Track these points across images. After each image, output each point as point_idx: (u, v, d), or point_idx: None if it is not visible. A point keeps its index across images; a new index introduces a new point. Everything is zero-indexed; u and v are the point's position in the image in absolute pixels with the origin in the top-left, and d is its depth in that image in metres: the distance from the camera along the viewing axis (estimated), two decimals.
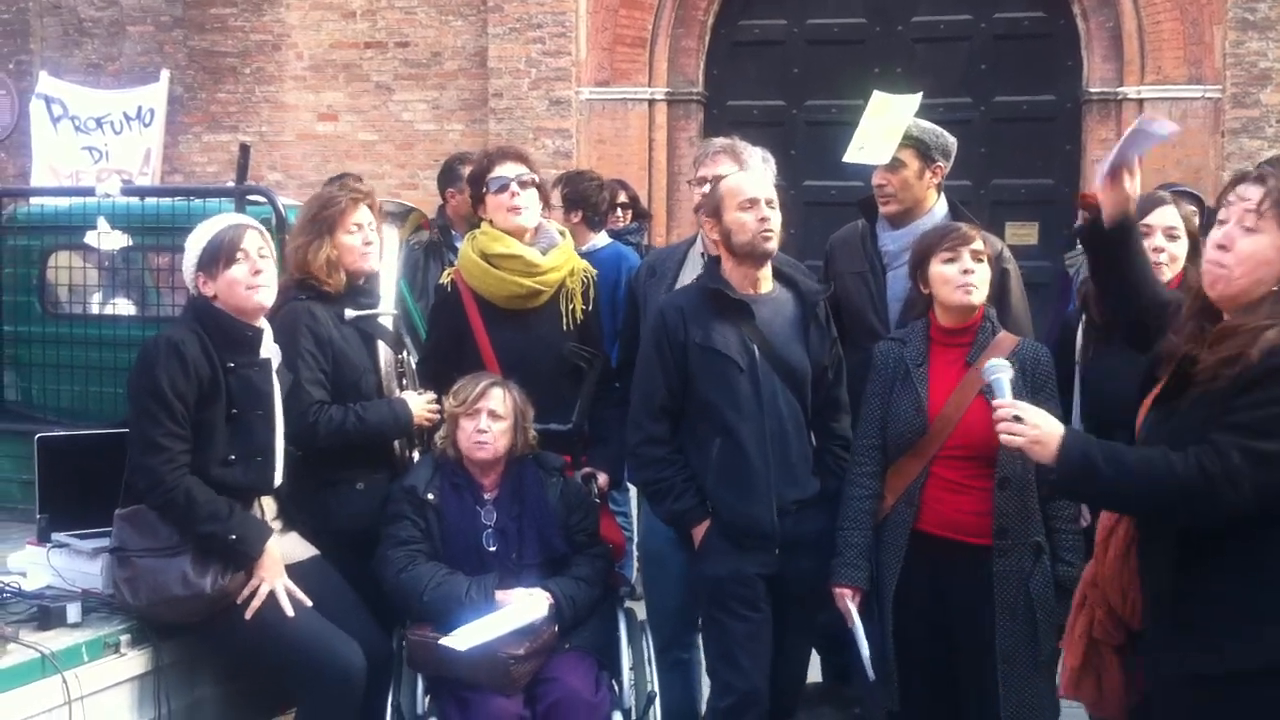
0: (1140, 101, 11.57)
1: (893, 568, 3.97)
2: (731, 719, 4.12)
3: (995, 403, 3.24)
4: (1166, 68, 11.56)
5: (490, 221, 4.61)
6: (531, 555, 4.22)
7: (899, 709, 4.03)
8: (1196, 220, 4.39)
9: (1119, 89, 11.71)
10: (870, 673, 3.98)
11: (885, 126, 4.53)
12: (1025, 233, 11.38)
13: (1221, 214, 2.96)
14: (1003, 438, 3.13)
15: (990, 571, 3.86)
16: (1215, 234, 2.95)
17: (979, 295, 3.97)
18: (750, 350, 4.12)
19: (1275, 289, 2.86)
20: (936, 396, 3.96)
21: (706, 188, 4.52)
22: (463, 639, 3.92)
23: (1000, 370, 3.39)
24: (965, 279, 3.94)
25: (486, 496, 4.29)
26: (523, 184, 4.56)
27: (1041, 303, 5.76)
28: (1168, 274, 4.10)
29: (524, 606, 4.05)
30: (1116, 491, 2.98)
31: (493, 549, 4.21)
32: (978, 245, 3.98)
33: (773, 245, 4.16)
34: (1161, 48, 11.54)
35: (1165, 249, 4.14)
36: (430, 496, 4.22)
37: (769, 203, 4.14)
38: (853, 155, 4.56)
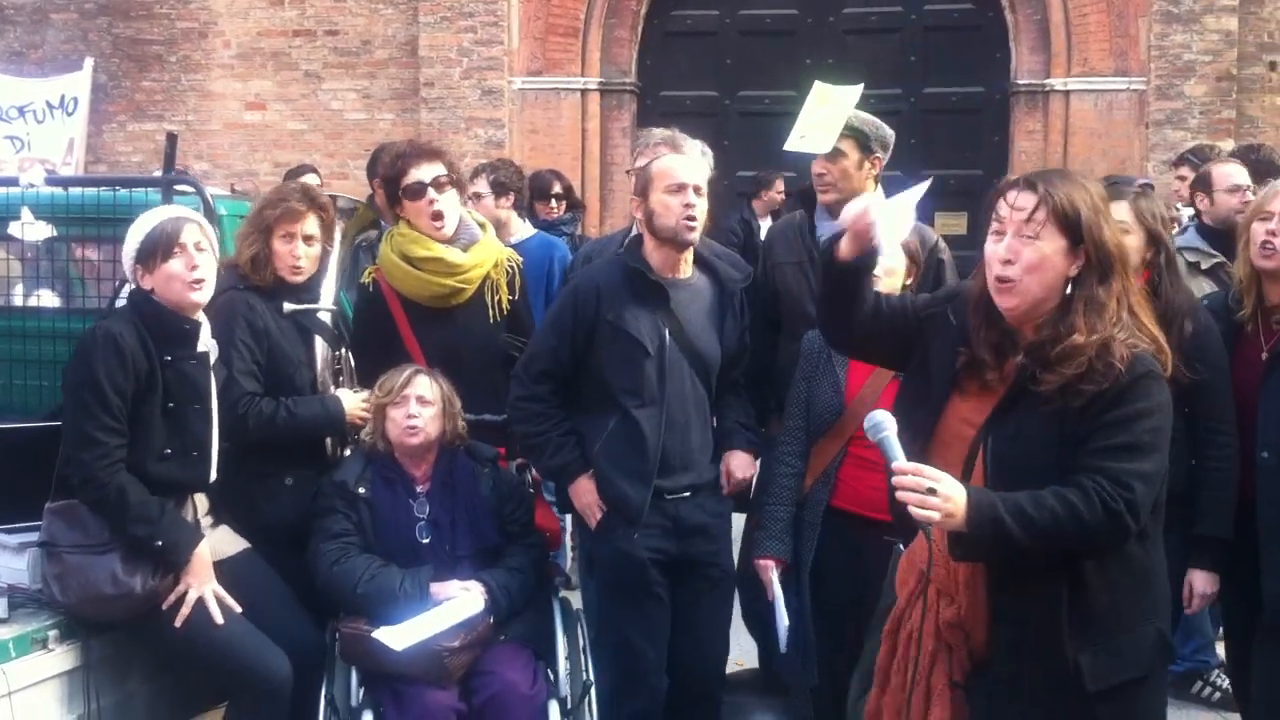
0: (1067, 93, 11.74)
1: (809, 543, 4.06)
2: (622, 700, 4.17)
3: (896, 466, 2.79)
4: (1092, 60, 11.73)
5: (409, 222, 4.56)
6: (465, 546, 4.21)
7: (817, 682, 4.09)
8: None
9: (1046, 81, 11.88)
10: (783, 645, 4.06)
11: (826, 116, 4.54)
12: (954, 223, 11.49)
13: (995, 225, 2.96)
14: (912, 511, 2.74)
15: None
16: (994, 247, 2.94)
17: (891, 284, 3.96)
18: (661, 334, 4.13)
19: (1066, 294, 2.91)
20: (855, 379, 4.06)
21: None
22: (398, 637, 3.89)
23: (885, 428, 2.85)
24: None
25: (419, 489, 4.26)
26: (439, 186, 4.50)
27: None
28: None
29: (459, 603, 4.04)
30: (1028, 550, 2.83)
31: (426, 541, 4.19)
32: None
33: (694, 235, 4.16)
34: (1088, 40, 11.72)
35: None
36: (361, 490, 4.20)
37: (697, 190, 4.13)
38: (794, 144, 4.57)
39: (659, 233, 4.16)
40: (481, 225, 4.72)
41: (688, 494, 4.18)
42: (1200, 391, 3.79)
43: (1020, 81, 11.99)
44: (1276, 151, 6.80)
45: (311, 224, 4.31)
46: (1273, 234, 3.92)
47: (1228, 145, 8.51)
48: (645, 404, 4.12)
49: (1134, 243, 4.07)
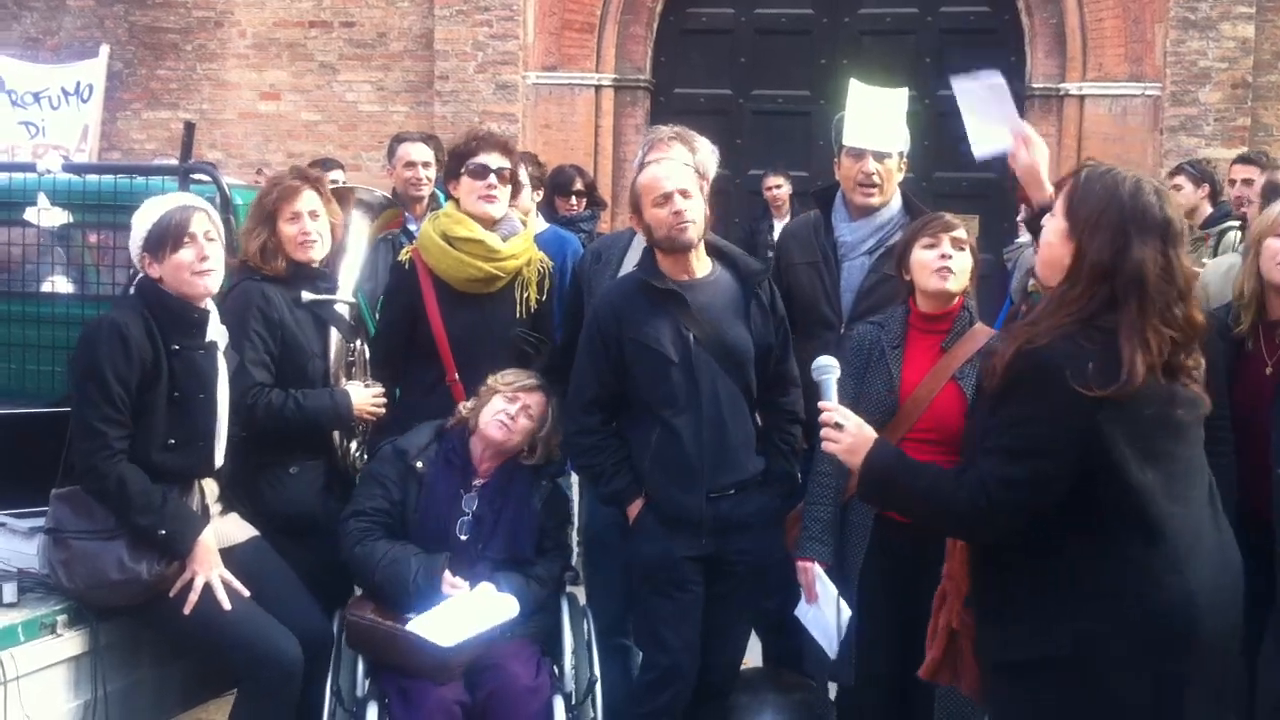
0: (1082, 98, 11.72)
1: (858, 548, 4.01)
2: (653, 693, 4.18)
3: (821, 404, 3.23)
4: (1108, 65, 11.71)
5: (458, 202, 4.60)
6: (496, 551, 4.21)
7: (853, 685, 4.06)
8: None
9: (1061, 85, 11.85)
10: (831, 650, 4.00)
11: (884, 116, 4.59)
12: (967, 225, 11.48)
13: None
14: (822, 442, 3.19)
15: None
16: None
17: (956, 282, 3.99)
18: (685, 339, 4.14)
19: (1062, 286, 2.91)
20: (910, 378, 3.99)
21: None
22: (440, 631, 3.88)
23: (828, 371, 3.33)
24: (943, 263, 3.98)
25: (476, 482, 4.27)
26: (501, 177, 4.57)
27: (983, 294, 5.83)
28: None
29: (493, 607, 4.03)
30: (908, 509, 3.15)
31: (464, 537, 4.20)
32: (959, 233, 4.03)
33: (690, 235, 4.15)
34: (1103, 45, 11.69)
35: None
36: (419, 465, 4.21)
37: (683, 194, 4.13)
38: (858, 140, 4.56)
39: (659, 244, 4.19)
40: (524, 222, 4.77)
41: (732, 491, 4.19)
42: None
43: (1035, 85, 11.96)
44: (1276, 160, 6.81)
45: (311, 198, 4.33)
46: None
47: (1230, 154, 8.48)
48: (680, 412, 4.13)
49: None
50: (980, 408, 3.02)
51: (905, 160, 4.67)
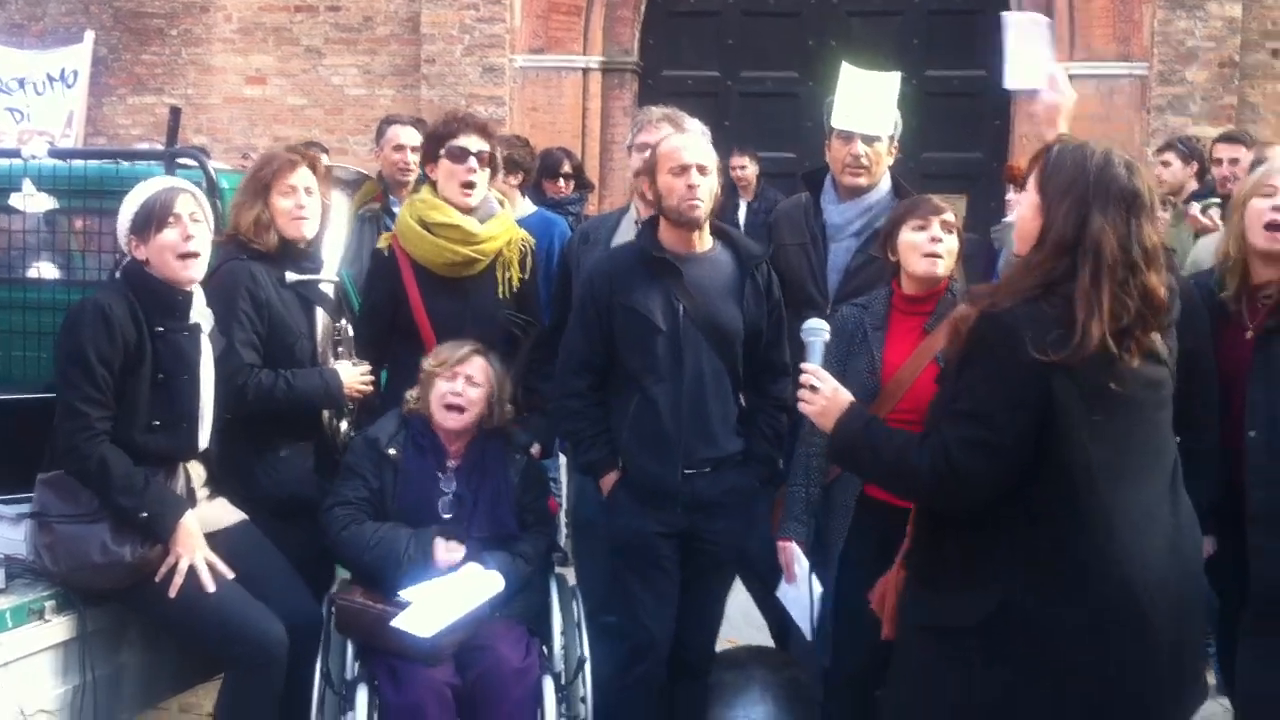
0: (1070, 78, 11.69)
1: (840, 529, 4.02)
2: (626, 665, 4.20)
3: (803, 365, 3.32)
4: (1096, 45, 11.70)
5: (435, 185, 4.59)
6: (481, 528, 4.22)
7: (830, 665, 4.08)
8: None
9: None
10: (808, 630, 4.01)
11: (874, 99, 4.62)
12: (954, 205, 11.46)
13: None
14: (800, 403, 3.27)
15: None
16: None
17: (944, 265, 4.01)
18: (675, 310, 4.15)
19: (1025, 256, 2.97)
20: (892, 359, 4.01)
21: (648, 153, 4.54)
22: (421, 623, 3.89)
23: (817, 333, 3.41)
24: (933, 247, 3.99)
25: (450, 464, 4.27)
26: (481, 160, 4.55)
27: (970, 274, 5.83)
28: None
29: (478, 586, 4.04)
30: (875, 476, 3.25)
31: (446, 516, 4.21)
32: (948, 217, 4.04)
33: (699, 213, 4.17)
34: (1091, 25, 11.69)
35: None
36: (392, 451, 4.21)
37: (701, 170, 4.14)
38: (847, 123, 4.59)
39: (667, 213, 4.19)
40: (501, 202, 4.75)
41: (708, 469, 4.20)
42: (1184, 373, 3.79)
43: None
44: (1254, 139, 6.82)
45: (306, 174, 4.33)
46: (1279, 210, 3.88)
47: (1216, 133, 8.49)
48: (660, 380, 4.15)
49: None
50: (946, 373, 3.06)
51: (895, 144, 4.68)
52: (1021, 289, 2.86)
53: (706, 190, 4.16)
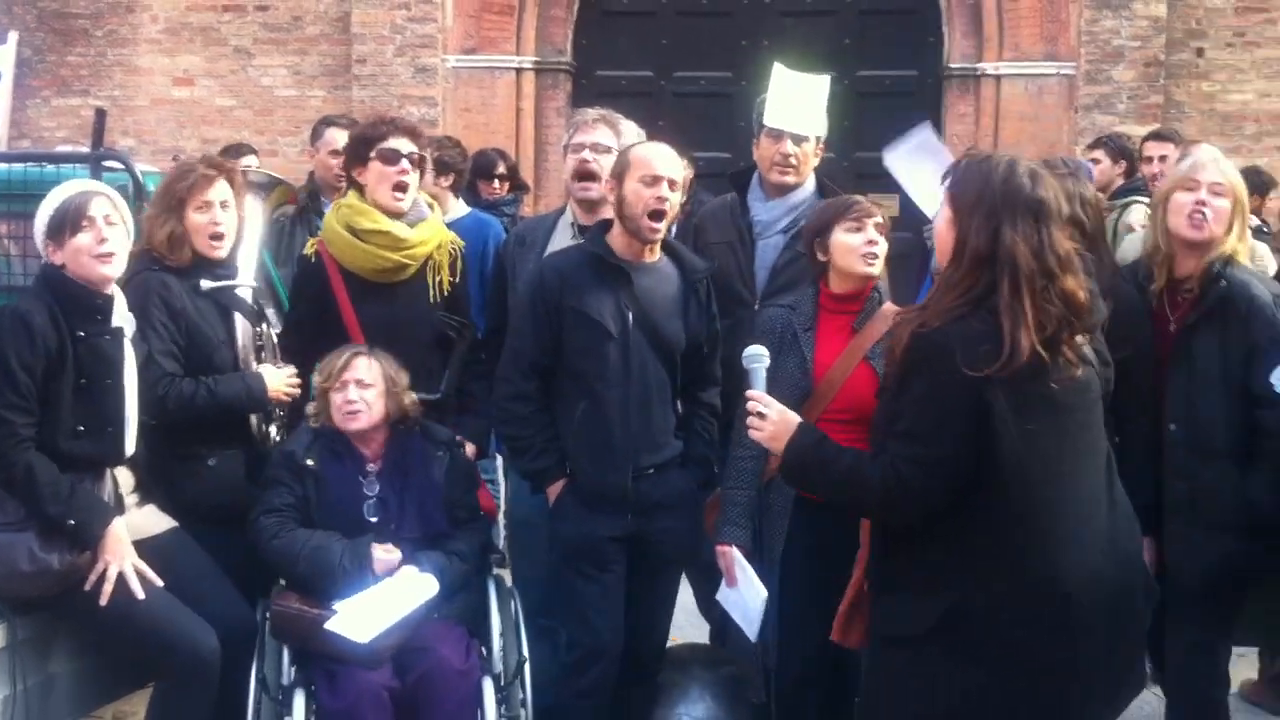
0: (998, 78, 11.84)
1: (778, 531, 4.03)
2: (579, 672, 4.19)
3: (749, 394, 3.35)
4: (1024, 44, 11.83)
5: (361, 189, 4.53)
6: (410, 529, 4.20)
7: (775, 668, 4.09)
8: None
9: (978, 65, 11.96)
10: (752, 633, 4.02)
11: (805, 100, 4.69)
12: (887, 205, 11.55)
13: None
14: (748, 430, 3.32)
15: None
16: None
17: (879, 266, 4.05)
18: (624, 317, 4.15)
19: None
20: (823, 359, 4.04)
21: (585, 154, 4.54)
22: (357, 628, 3.85)
23: (759, 360, 3.45)
24: (869, 249, 4.01)
25: (369, 467, 4.24)
26: (413, 162, 4.50)
27: (904, 273, 5.88)
28: None
29: (413, 589, 4.02)
30: (828, 492, 3.29)
31: (373, 519, 4.18)
32: (880, 219, 4.07)
33: (659, 234, 4.18)
34: (1020, 25, 11.81)
35: None
36: (309, 463, 4.18)
37: (671, 184, 4.14)
38: (780, 122, 4.65)
39: (626, 220, 4.17)
40: (430, 205, 4.71)
41: (651, 471, 4.20)
42: (1117, 369, 3.86)
43: (953, 65, 12.06)
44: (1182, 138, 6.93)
45: (224, 188, 4.27)
46: (1202, 204, 3.93)
47: (1143, 131, 8.62)
48: (611, 386, 4.14)
49: None
50: (886, 391, 3.10)
51: (821, 146, 4.76)
52: (948, 307, 2.92)
53: (671, 204, 4.16)
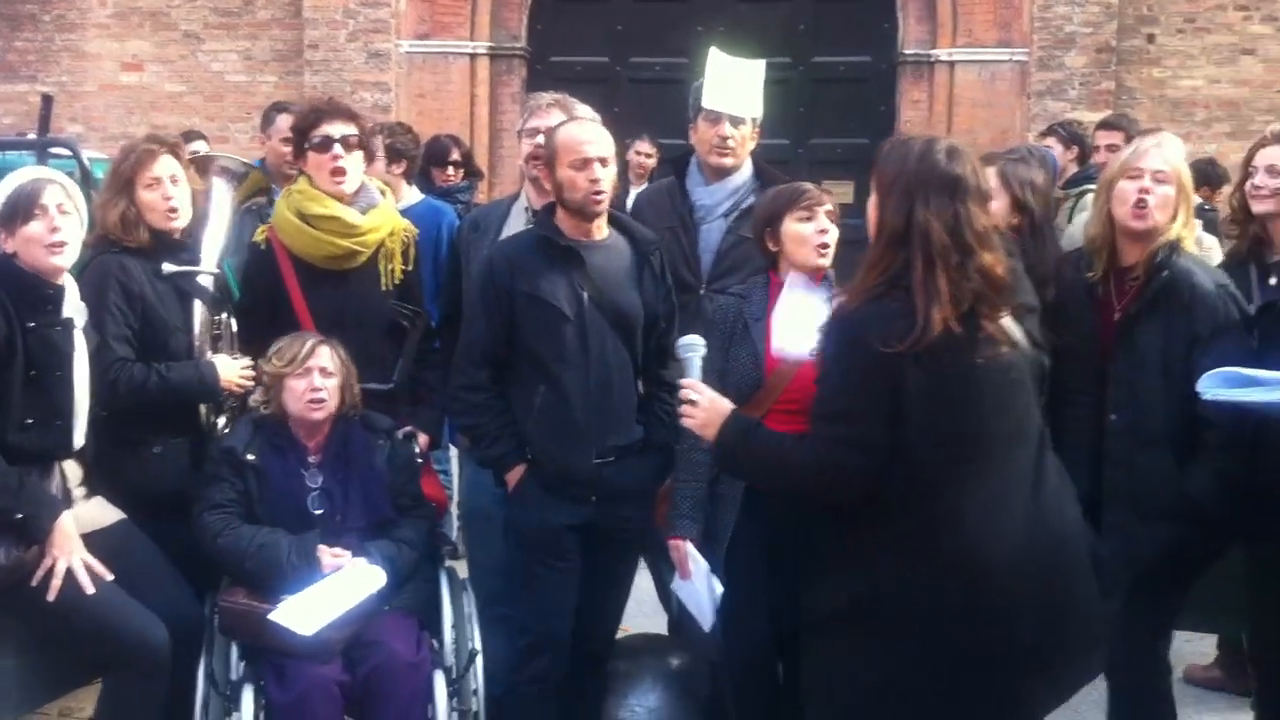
0: (952, 64, 11.89)
1: (728, 522, 4.02)
2: (528, 659, 4.18)
3: (682, 382, 3.39)
4: (977, 31, 11.90)
5: (309, 178, 4.49)
6: (356, 519, 4.16)
7: (731, 653, 4.09)
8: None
9: (932, 51, 12.02)
10: (706, 624, 4.02)
11: (742, 83, 4.70)
12: (842, 191, 11.60)
13: None
14: (681, 419, 3.34)
15: None
16: None
17: (831, 255, 4.03)
18: (579, 297, 4.12)
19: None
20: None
21: (539, 139, 4.51)
22: (302, 620, 3.82)
23: (693, 349, 3.48)
24: (822, 238, 3.99)
25: (311, 459, 4.20)
26: (348, 145, 4.45)
27: (858, 260, 5.89)
28: None
29: (362, 580, 3.99)
30: (760, 477, 3.36)
31: (318, 512, 4.15)
32: (830, 207, 4.05)
33: (602, 207, 4.16)
34: (973, 11, 11.88)
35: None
36: (250, 457, 4.13)
37: (603, 162, 4.11)
38: (719, 104, 4.66)
39: (568, 205, 4.15)
40: (382, 192, 4.67)
41: (612, 458, 4.18)
42: (1062, 356, 3.87)
43: (907, 51, 12.12)
44: (1138, 124, 6.96)
45: (169, 162, 4.21)
46: (1145, 192, 3.94)
47: (1095, 117, 8.67)
48: (570, 369, 4.11)
49: (998, 208, 4.13)
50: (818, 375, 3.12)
51: (758, 129, 4.77)
52: (867, 287, 2.94)
53: (608, 182, 4.13)
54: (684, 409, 3.31)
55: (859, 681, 2.99)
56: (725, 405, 3.28)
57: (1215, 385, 3.52)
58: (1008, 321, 2.97)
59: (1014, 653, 2.93)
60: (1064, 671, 3.10)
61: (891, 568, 2.93)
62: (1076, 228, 5.01)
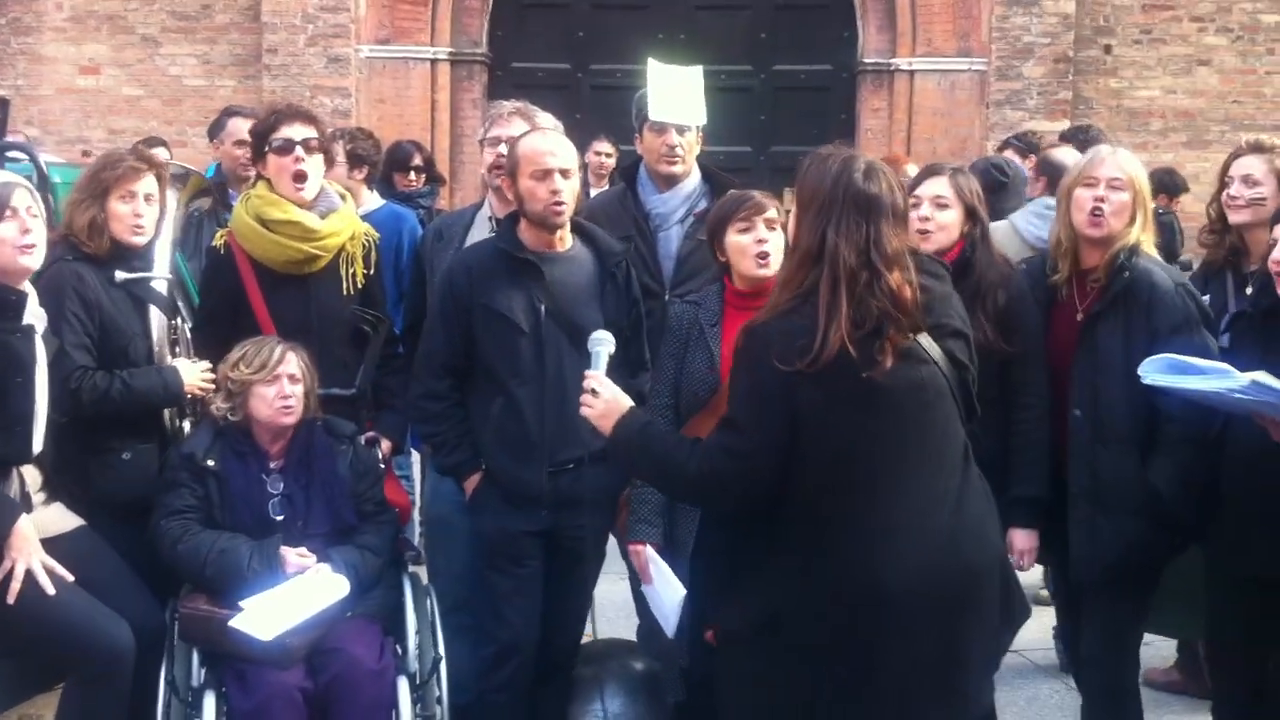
0: (912, 73, 11.97)
1: (689, 528, 4.02)
2: (494, 667, 4.18)
3: (586, 373, 3.43)
4: (937, 40, 11.99)
5: (269, 182, 4.47)
6: (318, 525, 4.14)
7: (687, 665, 4.09)
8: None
9: (891, 60, 12.10)
10: (669, 629, 4.02)
11: (685, 92, 4.77)
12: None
13: None
14: (581, 409, 3.38)
15: None
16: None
17: (774, 264, 4.01)
18: (536, 311, 4.12)
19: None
20: (729, 354, 4.00)
21: (501, 148, 4.50)
22: (262, 625, 3.80)
23: (601, 343, 3.53)
24: (760, 248, 3.98)
25: (273, 465, 4.18)
26: (309, 149, 4.43)
27: None
28: (941, 240, 4.21)
29: (326, 587, 3.96)
30: (647, 475, 3.43)
31: (279, 518, 4.12)
32: (771, 214, 4.03)
33: (563, 218, 4.16)
34: (932, 21, 11.97)
35: (931, 218, 4.25)
36: (210, 463, 4.10)
37: (564, 173, 4.11)
38: (666, 115, 4.72)
39: (530, 216, 4.15)
40: (342, 196, 4.65)
41: (570, 466, 4.18)
42: (1013, 361, 3.95)
43: (867, 60, 12.19)
44: (1105, 134, 7.02)
45: (150, 183, 4.20)
46: (1101, 200, 4.01)
47: (1059, 127, 8.77)
48: (525, 383, 4.11)
49: (952, 218, 4.18)
50: None
51: (701, 135, 4.84)
52: (779, 303, 2.98)
53: (570, 194, 4.13)
54: (584, 398, 3.34)
55: (763, 702, 3.03)
56: (625, 400, 3.31)
57: (1157, 370, 3.60)
58: (925, 340, 2.97)
59: (905, 674, 2.94)
60: (947, 697, 3.05)
61: (794, 588, 2.95)
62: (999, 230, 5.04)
